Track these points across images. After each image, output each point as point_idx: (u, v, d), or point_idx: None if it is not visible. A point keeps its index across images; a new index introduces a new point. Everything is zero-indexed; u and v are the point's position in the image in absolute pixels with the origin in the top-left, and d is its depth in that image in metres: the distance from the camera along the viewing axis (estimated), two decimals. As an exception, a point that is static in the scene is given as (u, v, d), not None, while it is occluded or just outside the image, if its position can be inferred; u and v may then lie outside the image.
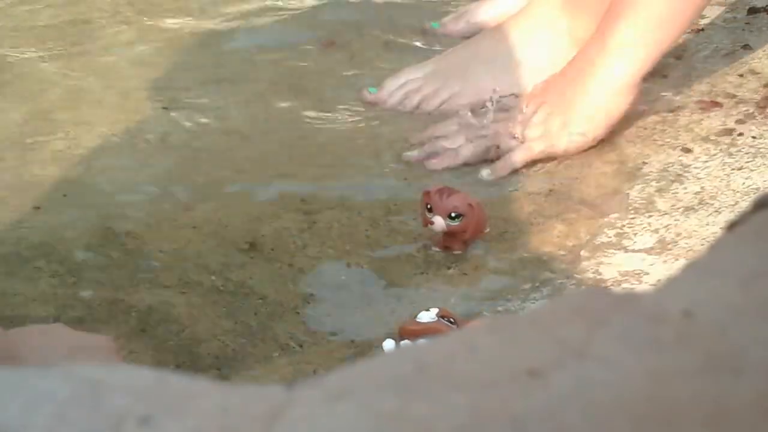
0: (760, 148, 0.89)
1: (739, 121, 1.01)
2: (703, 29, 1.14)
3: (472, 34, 1.24)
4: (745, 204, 0.86)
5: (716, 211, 0.86)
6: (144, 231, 0.89)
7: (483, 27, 1.25)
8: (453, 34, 1.27)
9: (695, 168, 0.93)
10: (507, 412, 0.30)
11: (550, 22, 1.09)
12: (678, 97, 1.07)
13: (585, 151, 0.99)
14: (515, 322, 0.34)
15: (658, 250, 0.82)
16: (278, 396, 0.32)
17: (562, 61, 1.09)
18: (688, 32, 1.18)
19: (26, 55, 1.24)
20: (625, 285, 0.81)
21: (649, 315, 0.33)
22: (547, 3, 1.10)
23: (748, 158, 0.90)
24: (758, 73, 1.09)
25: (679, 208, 0.88)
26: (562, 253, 0.86)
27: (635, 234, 0.86)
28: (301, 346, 0.76)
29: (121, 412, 0.30)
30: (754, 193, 0.86)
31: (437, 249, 0.90)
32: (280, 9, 1.30)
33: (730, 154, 0.91)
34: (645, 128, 1.03)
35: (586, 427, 0.30)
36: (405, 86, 1.12)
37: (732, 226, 0.38)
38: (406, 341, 0.77)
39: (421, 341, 0.64)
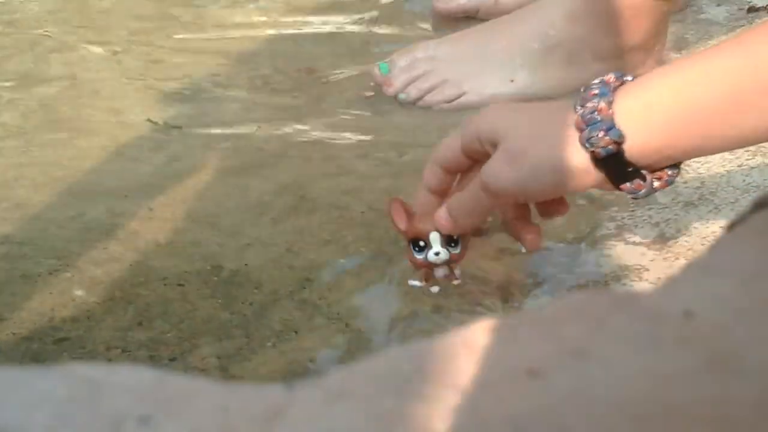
0: (760, 146, 0.89)
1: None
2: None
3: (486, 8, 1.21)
4: (744, 202, 0.86)
5: (716, 208, 0.86)
6: (139, 224, 0.89)
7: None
8: (459, 10, 1.24)
9: (696, 162, 0.93)
10: (507, 412, 0.30)
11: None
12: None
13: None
14: (515, 322, 0.34)
15: (658, 246, 0.82)
16: (278, 396, 0.32)
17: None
18: (688, 31, 1.18)
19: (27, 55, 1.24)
20: (624, 281, 0.81)
21: (649, 315, 0.33)
22: None
23: (748, 156, 0.90)
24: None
25: (679, 203, 0.87)
26: (562, 245, 0.86)
27: (636, 226, 0.86)
28: (296, 332, 0.76)
29: (121, 412, 0.30)
30: (754, 191, 0.86)
31: None
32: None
33: (730, 152, 0.91)
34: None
35: (586, 427, 0.30)
36: (413, 68, 1.08)
37: (732, 226, 0.38)
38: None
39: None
